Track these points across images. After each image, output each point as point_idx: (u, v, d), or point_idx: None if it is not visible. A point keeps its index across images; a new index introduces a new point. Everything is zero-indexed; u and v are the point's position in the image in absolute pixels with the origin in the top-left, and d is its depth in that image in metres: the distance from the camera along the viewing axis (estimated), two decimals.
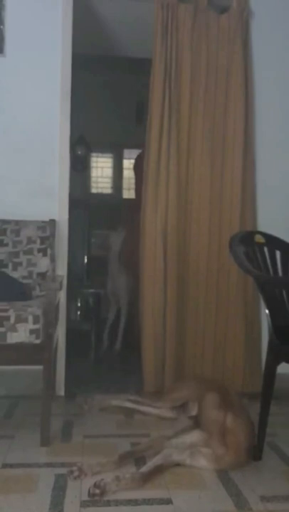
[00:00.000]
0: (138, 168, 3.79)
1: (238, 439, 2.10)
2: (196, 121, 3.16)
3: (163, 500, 1.85)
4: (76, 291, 4.26)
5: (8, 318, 2.26)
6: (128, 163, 6.86)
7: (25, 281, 2.85)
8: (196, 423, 2.19)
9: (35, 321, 2.27)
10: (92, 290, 4.44)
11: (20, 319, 2.26)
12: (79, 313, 4.50)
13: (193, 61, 3.15)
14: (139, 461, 2.10)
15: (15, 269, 2.88)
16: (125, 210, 4.88)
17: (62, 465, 2.09)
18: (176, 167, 3.11)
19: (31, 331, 2.27)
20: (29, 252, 2.91)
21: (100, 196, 6.71)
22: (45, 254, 2.93)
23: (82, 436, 2.42)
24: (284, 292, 2.28)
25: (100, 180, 6.89)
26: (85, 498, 1.83)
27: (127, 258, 4.25)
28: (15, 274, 2.85)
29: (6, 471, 2.05)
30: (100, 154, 6.83)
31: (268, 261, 2.39)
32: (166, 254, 3.11)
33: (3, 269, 2.85)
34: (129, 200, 6.16)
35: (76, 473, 1.97)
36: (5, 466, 2.09)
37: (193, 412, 2.23)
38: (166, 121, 3.10)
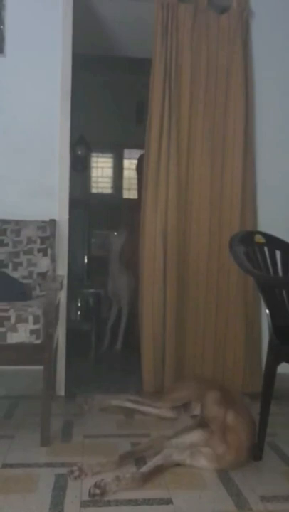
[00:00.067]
0: (141, 168, 3.79)
1: (239, 437, 2.10)
2: (196, 121, 3.16)
3: (163, 500, 1.85)
4: (76, 291, 4.27)
5: (8, 318, 2.26)
6: (128, 163, 6.87)
7: (25, 281, 2.85)
8: (199, 422, 2.18)
9: (36, 321, 2.27)
10: (92, 290, 4.45)
11: (20, 319, 2.26)
12: (79, 313, 4.50)
13: (193, 61, 3.15)
14: (140, 461, 2.10)
15: (15, 269, 2.88)
16: (127, 211, 4.87)
17: (63, 465, 2.09)
18: (176, 167, 3.11)
19: (31, 331, 2.27)
20: (29, 252, 2.92)
21: (100, 196, 6.71)
22: (45, 254, 2.93)
23: (83, 436, 2.42)
24: (284, 292, 2.29)
25: (100, 180, 6.89)
26: (86, 498, 1.83)
27: (127, 258, 4.25)
28: (15, 274, 2.85)
29: (6, 471, 2.05)
30: (100, 154, 6.83)
31: (268, 261, 2.39)
32: (166, 254, 3.11)
33: (4, 269, 2.85)
34: (130, 200, 6.17)
35: (76, 473, 1.97)
36: (5, 466, 2.09)
37: (196, 411, 2.23)
38: (166, 121, 3.10)
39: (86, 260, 5.04)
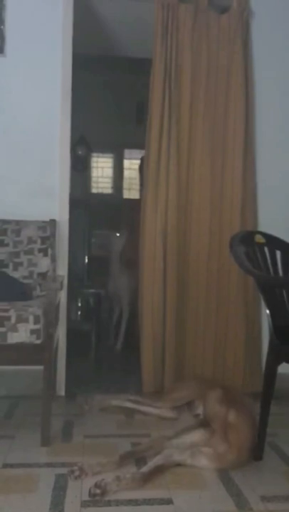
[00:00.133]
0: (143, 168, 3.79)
1: (240, 436, 2.10)
2: (196, 121, 3.16)
3: (163, 500, 1.85)
4: (77, 291, 4.27)
5: (8, 318, 2.26)
6: (128, 163, 6.87)
7: (25, 281, 2.85)
8: (201, 422, 2.18)
9: (36, 321, 2.28)
10: (92, 290, 4.44)
11: (20, 319, 2.27)
12: (79, 313, 4.50)
13: (193, 61, 3.15)
14: (140, 461, 2.10)
15: (15, 269, 2.88)
16: (128, 211, 4.87)
17: (63, 465, 2.09)
18: (176, 167, 3.11)
19: (32, 331, 2.27)
20: (30, 252, 2.92)
21: (101, 196, 6.71)
22: (45, 254, 2.93)
23: (83, 436, 2.42)
24: (284, 292, 2.28)
25: (100, 180, 6.90)
26: (86, 498, 1.83)
27: (128, 259, 4.25)
28: (15, 274, 2.85)
29: (7, 471, 2.05)
30: (101, 154, 6.84)
31: (269, 261, 2.39)
32: (166, 254, 3.11)
33: (4, 269, 2.85)
34: (131, 200, 6.16)
35: (77, 473, 1.97)
36: (5, 466, 2.09)
37: (199, 410, 2.23)
38: (166, 121, 3.10)
39: (86, 260, 5.04)
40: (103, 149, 6.79)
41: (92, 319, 4.29)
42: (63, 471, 2.03)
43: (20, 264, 2.89)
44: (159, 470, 2.01)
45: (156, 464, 2.03)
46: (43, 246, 2.93)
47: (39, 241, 2.94)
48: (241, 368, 3.15)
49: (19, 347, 2.28)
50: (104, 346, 4.31)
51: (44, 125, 3.10)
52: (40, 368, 2.32)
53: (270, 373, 2.21)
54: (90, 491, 1.84)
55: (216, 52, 3.18)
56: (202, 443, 2.09)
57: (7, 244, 2.91)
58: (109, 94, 6.13)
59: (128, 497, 1.84)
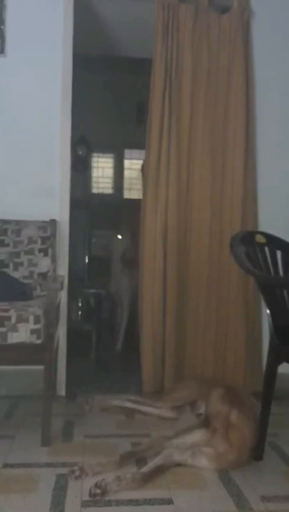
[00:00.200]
0: None
1: (242, 435, 2.10)
2: (197, 121, 3.16)
3: (164, 500, 1.85)
4: (77, 291, 4.27)
5: (9, 318, 2.26)
6: (129, 163, 6.87)
7: (26, 281, 2.85)
8: (202, 421, 2.18)
9: (36, 321, 2.28)
10: (93, 290, 4.45)
11: (21, 319, 2.27)
12: (80, 313, 4.50)
13: (193, 61, 3.15)
14: (140, 461, 2.10)
15: (16, 269, 2.88)
16: (129, 212, 4.87)
17: (63, 465, 2.09)
18: (177, 167, 3.11)
19: (32, 331, 2.27)
20: (30, 252, 2.92)
21: (101, 196, 6.72)
22: (46, 255, 2.93)
23: (83, 436, 2.42)
24: (285, 292, 2.28)
25: (100, 180, 6.90)
26: (86, 498, 1.83)
27: (130, 261, 4.25)
28: (16, 274, 2.85)
29: (7, 471, 2.05)
30: (101, 154, 6.84)
31: (269, 261, 2.39)
32: (166, 254, 3.11)
33: (4, 269, 2.85)
34: (132, 200, 6.17)
35: (77, 473, 1.97)
36: (6, 466, 2.09)
37: (201, 410, 2.23)
38: (166, 121, 3.10)
39: (87, 260, 5.04)
40: (103, 149, 6.79)
41: (92, 319, 4.29)
42: (64, 471, 2.03)
43: (21, 264, 2.89)
44: (159, 470, 2.01)
45: (156, 464, 2.03)
46: (44, 246, 2.93)
47: (39, 241, 2.94)
48: (241, 368, 3.15)
49: (19, 347, 2.28)
50: (104, 346, 4.30)
51: (44, 125, 3.10)
52: (41, 367, 2.32)
53: (271, 373, 2.21)
54: (90, 491, 1.84)
55: (217, 52, 3.19)
56: (203, 443, 2.09)
57: (7, 244, 2.91)
58: (110, 95, 6.13)
59: (128, 497, 1.84)
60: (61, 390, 3.05)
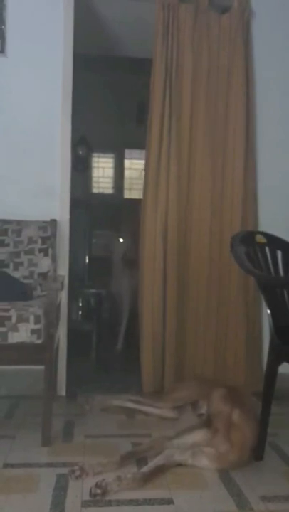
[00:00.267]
0: None
1: (243, 435, 2.10)
2: (197, 121, 3.16)
3: (164, 500, 1.85)
4: (77, 291, 4.27)
5: (9, 318, 2.26)
6: (129, 163, 6.87)
7: (26, 281, 2.85)
8: (204, 421, 2.18)
9: (37, 321, 2.28)
10: (93, 290, 4.44)
11: (21, 319, 2.27)
12: (80, 313, 4.50)
13: (194, 61, 3.15)
14: (141, 461, 2.10)
15: (16, 269, 2.88)
16: (131, 213, 4.86)
17: (64, 465, 2.09)
18: (177, 167, 3.11)
19: (32, 331, 2.27)
20: (30, 252, 2.92)
21: (101, 196, 6.72)
22: (46, 254, 2.93)
23: (84, 436, 2.42)
24: (285, 292, 2.28)
25: (101, 180, 6.90)
26: (87, 498, 1.83)
27: (131, 263, 4.24)
28: (16, 274, 2.85)
29: (7, 471, 2.05)
30: (101, 154, 6.84)
31: (269, 261, 2.39)
32: (167, 254, 3.11)
33: (5, 269, 2.85)
34: (134, 201, 6.16)
35: (78, 473, 1.97)
36: (6, 466, 2.09)
37: (203, 410, 2.23)
38: (166, 121, 3.10)
39: (87, 260, 5.04)
40: (104, 149, 6.79)
41: (92, 319, 4.29)
42: (64, 471, 2.03)
43: (21, 264, 2.89)
44: (159, 470, 2.01)
45: (157, 464, 2.03)
46: (44, 246, 2.93)
47: (40, 241, 2.94)
48: (242, 368, 3.14)
49: (20, 347, 2.28)
50: (105, 346, 4.30)
51: (45, 125, 3.10)
52: (41, 367, 2.32)
53: (271, 373, 2.21)
54: (90, 491, 1.84)
55: (217, 52, 3.19)
56: (204, 443, 2.09)
57: (8, 244, 2.91)
58: (110, 94, 6.13)
59: (129, 497, 1.84)
60: (61, 390, 3.05)
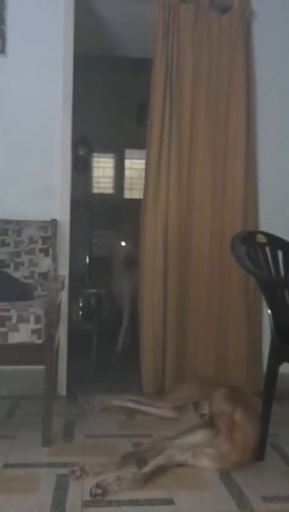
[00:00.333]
0: None
1: (245, 435, 2.09)
2: (198, 121, 3.15)
3: (165, 500, 1.85)
4: (78, 291, 4.26)
5: (9, 318, 2.26)
6: (130, 163, 6.87)
7: (26, 281, 2.85)
8: (206, 422, 2.17)
9: (37, 321, 2.27)
10: (93, 290, 4.44)
11: (22, 319, 2.26)
12: (81, 313, 4.50)
13: (194, 61, 3.14)
14: (141, 461, 2.10)
15: (17, 269, 2.88)
16: (132, 211, 4.86)
17: (64, 465, 2.09)
18: (177, 167, 3.11)
19: (33, 331, 2.27)
20: (31, 252, 2.91)
21: (102, 196, 6.72)
22: (46, 254, 2.93)
23: (84, 437, 2.42)
24: (286, 292, 2.28)
25: (101, 180, 6.90)
26: (87, 498, 1.83)
27: (132, 265, 4.23)
28: (17, 274, 2.85)
29: (8, 471, 2.05)
30: (102, 154, 6.84)
31: (270, 261, 2.39)
32: (167, 254, 3.11)
33: (5, 269, 2.85)
34: (135, 200, 6.16)
35: (78, 473, 1.97)
36: (6, 466, 2.09)
37: (205, 410, 2.22)
38: (167, 121, 3.10)
39: (87, 260, 5.04)
40: (104, 149, 6.79)
41: (93, 319, 4.29)
42: (64, 471, 2.03)
43: (22, 264, 2.89)
44: (160, 470, 2.01)
45: (157, 464, 2.03)
46: (44, 246, 2.93)
47: (40, 241, 2.94)
48: (242, 367, 3.14)
49: (20, 347, 2.28)
50: (105, 346, 4.30)
51: (45, 125, 3.10)
52: (42, 368, 2.32)
53: (272, 373, 2.21)
54: (91, 491, 1.84)
55: (217, 52, 3.18)
56: (206, 443, 2.09)
57: (8, 244, 2.91)
58: (110, 94, 6.13)
59: (129, 497, 1.84)
60: (62, 390, 3.05)
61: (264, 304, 2.66)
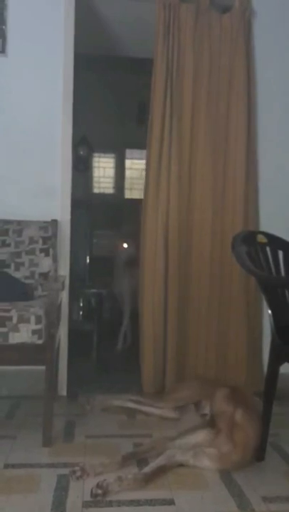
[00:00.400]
0: None
1: (246, 435, 2.09)
2: (198, 120, 3.15)
3: (165, 500, 1.85)
4: (78, 291, 4.26)
5: (10, 318, 2.26)
6: (130, 163, 6.87)
7: (27, 281, 2.85)
8: (207, 422, 2.17)
9: (38, 321, 2.27)
10: (94, 290, 4.44)
11: (22, 319, 2.26)
12: (81, 313, 4.50)
13: (195, 61, 3.14)
14: (142, 462, 2.09)
15: (17, 269, 2.88)
16: (133, 211, 4.85)
17: (65, 465, 2.09)
18: (178, 167, 3.11)
19: (33, 331, 2.27)
20: (31, 252, 2.91)
21: (102, 196, 6.72)
22: (47, 255, 2.92)
23: (85, 437, 2.42)
24: (286, 292, 2.28)
25: (102, 180, 6.90)
26: (88, 498, 1.83)
27: (134, 266, 4.24)
28: (17, 275, 2.85)
29: (8, 472, 2.05)
30: (102, 154, 6.84)
31: (271, 261, 2.38)
32: (168, 254, 3.11)
33: (6, 270, 2.85)
34: (137, 200, 6.16)
35: (78, 474, 1.97)
36: (7, 466, 2.09)
37: (206, 410, 2.22)
38: (167, 121, 3.10)
39: (88, 260, 5.04)
40: (105, 149, 6.79)
41: (93, 319, 4.29)
42: (65, 471, 2.03)
43: (22, 264, 2.89)
44: (161, 470, 2.01)
45: (158, 464, 2.03)
46: (45, 246, 2.93)
47: (41, 241, 2.94)
48: (243, 368, 3.14)
49: (21, 347, 2.28)
50: (105, 346, 4.30)
51: (46, 125, 3.10)
52: (42, 368, 2.32)
53: (272, 373, 2.21)
54: (91, 492, 1.84)
55: (218, 52, 3.18)
56: (206, 443, 2.09)
57: (9, 245, 2.91)
58: (111, 94, 6.13)
59: (130, 497, 1.84)
60: (62, 390, 3.05)
61: (264, 304, 2.67)
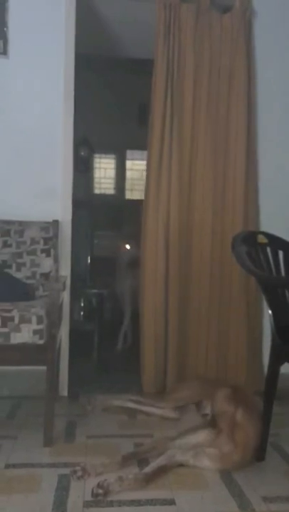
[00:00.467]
0: None
1: (247, 435, 2.09)
2: (199, 121, 3.16)
3: (166, 500, 1.85)
4: (79, 291, 4.27)
5: (12, 318, 2.26)
6: (131, 164, 6.88)
7: (28, 281, 2.85)
8: (209, 422, 2.17)
9: (39, 321, 2.28)
10: (95, 290, 4.45)
11: (23, 320, 2.27)
12: (82, 313, 4.51)
13: (195, 61, 3.15)
14: (142, 462, 2.10)
15: (18, 269, 2.88)
16: (133, 212, 4.85)
17: (66, 465, 2.09)
18: (178, 167, 3.11)
19: (35, 332, 2.27)
20: (32, 252, 2.92)
21: (103, 197, 6.73)
22: (48, 255, 2.93)
23: (86, 437, 2.43)
24: (286, 292, 2.28)
25: (102, 181, 6.91)
26: (88, 498, 1.83)
27: (135, 266, 4.24)
28: (18, 275, 2.86)
29: (9, 472, 2.06)
30: (103, 155, 6.85)
31: (271, 261, 2.39)
32: (168, 254, 3.11)
33: (7, 270, 2.86)
34: (138, 201, 6.16)
35: (79, 474, 1.97)
36: (8, 466, 2.10)
37: (207, 410, 2.23)
38: (168, 122, 3.10)
39: (89, 261, 5.05)
40: (105, 150, 6.80)
41: (94, 319, 4.29)
42: (66, 471, 2.03)
43: (23, 264, 2.90)
44: (161, 470, 2.01)
45: (159, 464, 2.03)
46: (46, 246, 2.94)
47: (42, 242, 2.94)
48: (243, 368, 3.14)
49: (22, 347, 2.29)
50: (106, 346, 4.30)
51: (47, 126, 3.10)
52: (43, 368, 2.33)
53: (273, 373, 2.21)
54: (92, 492, 1.84)
55: (219, 52, 3.18)
56: (207, 443, 2.09)
57: (10, 245, 2.91)
58: (112, 95, 6.13)
59: (130, 497, 1.84)
60: (63, 391, 3.06)
61: (264, 304, 2.67)
